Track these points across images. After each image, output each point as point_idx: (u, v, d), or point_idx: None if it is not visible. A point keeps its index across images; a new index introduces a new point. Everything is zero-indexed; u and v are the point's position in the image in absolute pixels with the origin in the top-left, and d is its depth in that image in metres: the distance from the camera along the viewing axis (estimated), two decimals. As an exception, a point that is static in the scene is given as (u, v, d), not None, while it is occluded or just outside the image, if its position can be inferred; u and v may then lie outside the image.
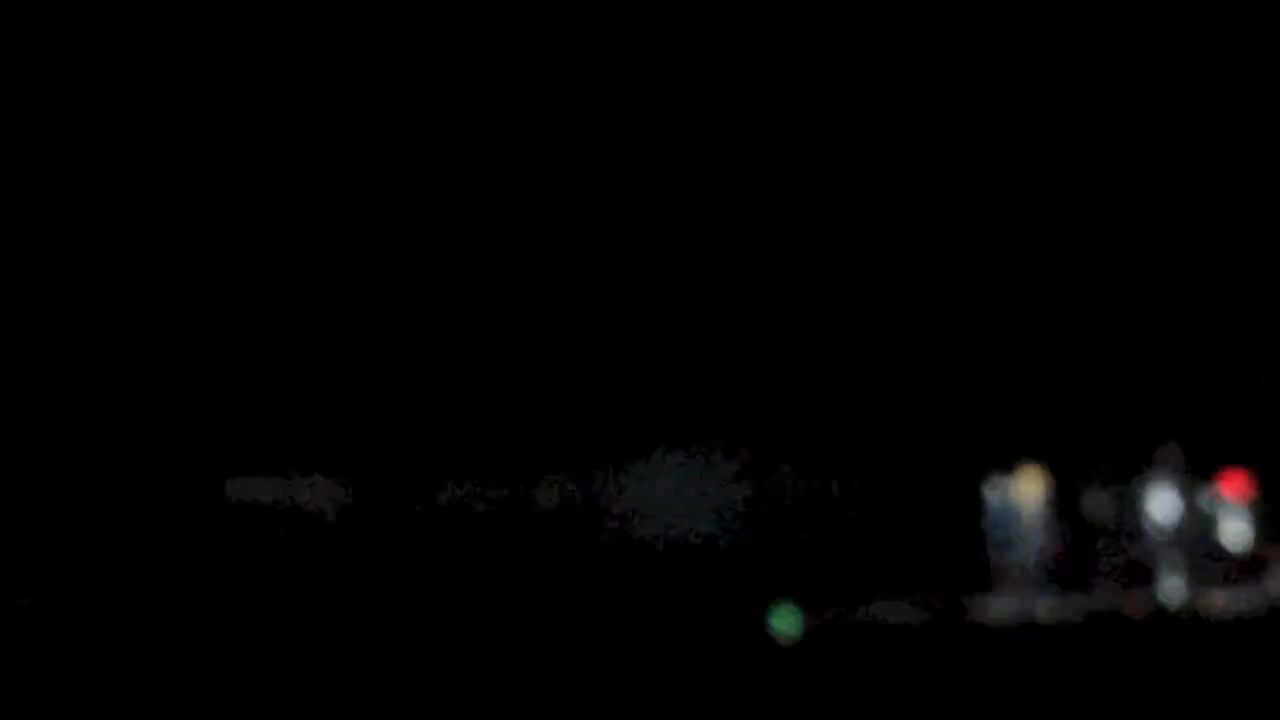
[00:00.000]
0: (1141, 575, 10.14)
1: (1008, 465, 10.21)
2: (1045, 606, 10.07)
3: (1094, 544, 10.16)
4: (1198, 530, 10.12)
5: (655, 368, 9.92)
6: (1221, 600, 10.06)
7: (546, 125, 9.67)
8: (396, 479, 9.71)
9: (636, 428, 9.89)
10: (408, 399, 9.69)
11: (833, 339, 10.03)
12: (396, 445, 9.69)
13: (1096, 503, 10.17)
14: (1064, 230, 10.07)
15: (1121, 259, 10.10)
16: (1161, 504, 10.14)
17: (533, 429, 9.78)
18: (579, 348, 9.84)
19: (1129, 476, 10.19)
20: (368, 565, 9.68)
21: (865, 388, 10.16)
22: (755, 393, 10.02)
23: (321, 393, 9.56)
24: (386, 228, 9.63)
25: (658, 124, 9.69)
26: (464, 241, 9.67)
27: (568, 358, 9.84)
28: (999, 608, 10.08)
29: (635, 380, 9.90)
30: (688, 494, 9.95)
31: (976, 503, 10.15)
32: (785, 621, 9.97)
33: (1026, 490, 10.20)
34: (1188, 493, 10.15)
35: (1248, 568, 10.10)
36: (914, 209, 10.06)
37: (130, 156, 9.28)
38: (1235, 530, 10.10)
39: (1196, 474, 10.18)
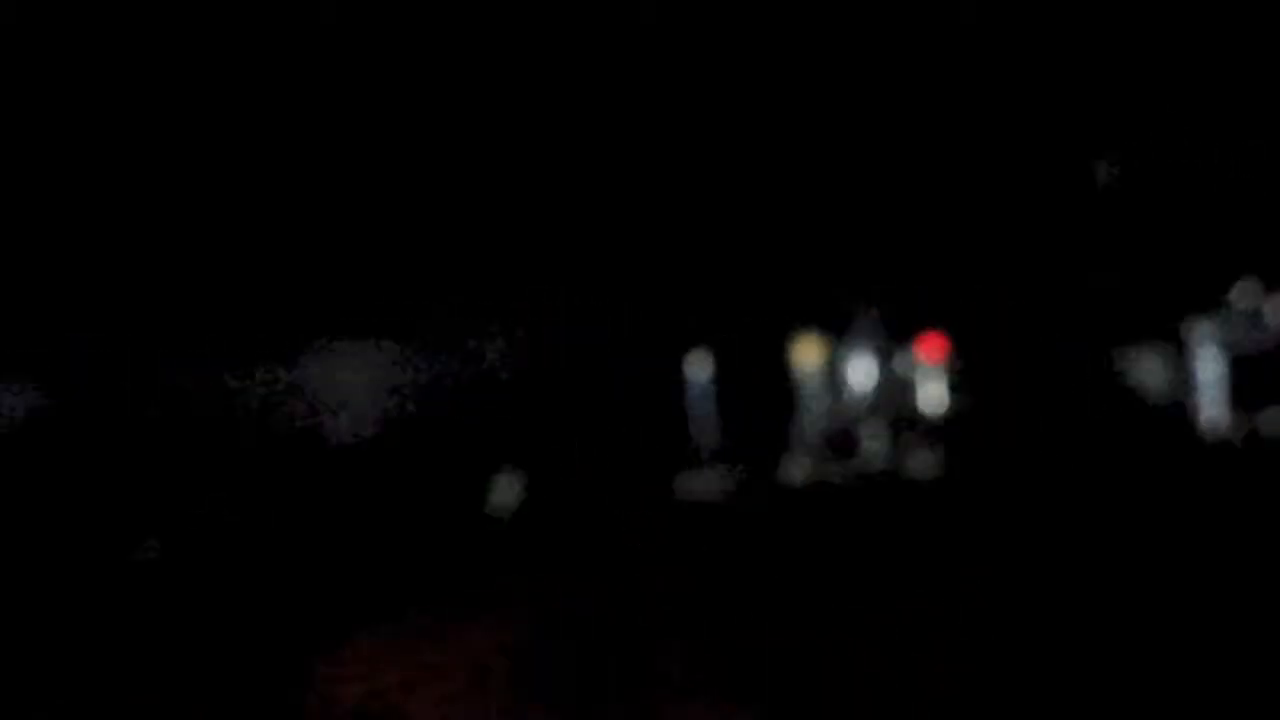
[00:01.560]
0: (842, 441, 10.15)
1: (712, 339, 10.26)
2: (748, 478, 10.13)
3: (794, 411, 10.18)
4: (896, 394, 10.10)
5: (346, 248, 10.08)
6: (920, 463, 10.05)
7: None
8: (93, 371, 9.94)
9: (326, 311, 10.07)
10: (93, 286, 9.92)
11: (525, 219, 10.13)
12: (87, 335, 9.92)
13: (795, 370, 10.18)
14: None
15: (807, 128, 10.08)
16: (859, 369, 10.13)
17: (220, 314, 9.98)
18: (265, 229, 10.02)
19: (831, 345, 10.19)
20: (60, 467, 9.96)
21: (564, 269, 10.25)
22: (451, 272, 10.15)
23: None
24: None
25: None
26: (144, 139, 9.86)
27: (254, 241, 10.02)
28: (703, 483, 10.15)
29: (322, 261, 10.06)
30: (387, 379, 10.13)
31: (678, 379, 10.22)
32: (492, 500, 10.14)
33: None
34: (885, 358, 10.13)
35: (945, 430, 10.07)
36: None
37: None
38: (933, 393, 10.06)
39: (893, 338, 10.15)
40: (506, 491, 10.13)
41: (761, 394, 10.24)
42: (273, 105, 9.86)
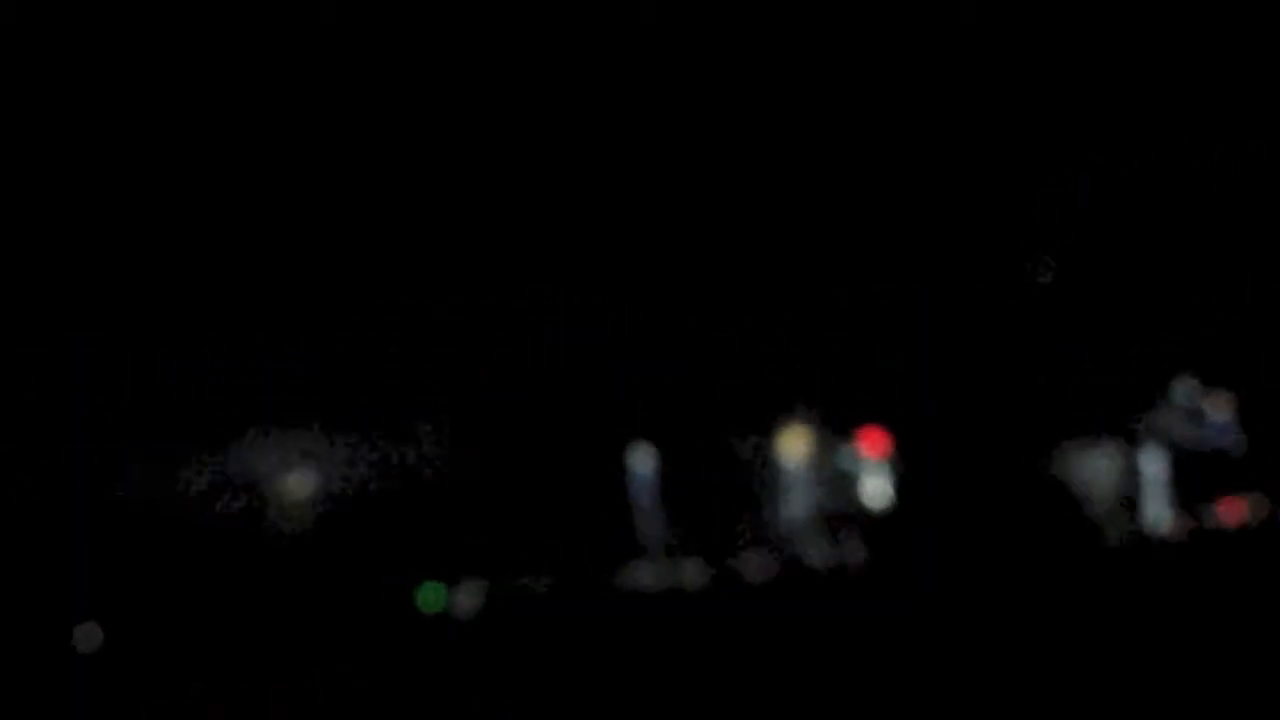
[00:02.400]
0: (785, 535, 10.13)
1: (652, 433, 10.24)
2: (691, 571, 10.09)
3: (739, 505, 10.16)
4: (839, 488, 10.10)
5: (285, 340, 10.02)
6: (863, 556, 10.04)
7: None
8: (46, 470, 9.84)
9: (270, 401, 10.00)
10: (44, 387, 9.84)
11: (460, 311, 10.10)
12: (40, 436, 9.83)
13: (737, 465, 10.17)
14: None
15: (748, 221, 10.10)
16: (799, 465, 10.12)
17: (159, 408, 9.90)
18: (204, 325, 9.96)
19: (769, 438, 10.18)
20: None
21: (505, 366, 10.22)
22: (386, 361, 10.09)
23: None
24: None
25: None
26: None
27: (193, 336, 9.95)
28: (645, 575, 10.11)
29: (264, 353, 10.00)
30: (325, 470, 10.06)
31: (619, 472, 10.18)
32: (430, 597, 10.06)
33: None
34: (828, 452, 10.13)
35: (889, 523, 10.07)
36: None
37: None
38: (875, 487, 10.06)
39: (835, 433, 10.15)
40: (434, 589, 10.07)
41: (706, 486, 10.22)
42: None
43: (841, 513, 10.08)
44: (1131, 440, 9.94)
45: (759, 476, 10.16)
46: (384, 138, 9.91)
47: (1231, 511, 9.82)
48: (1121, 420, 9.96)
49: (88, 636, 9.79)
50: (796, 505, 10.12)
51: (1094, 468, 9.93)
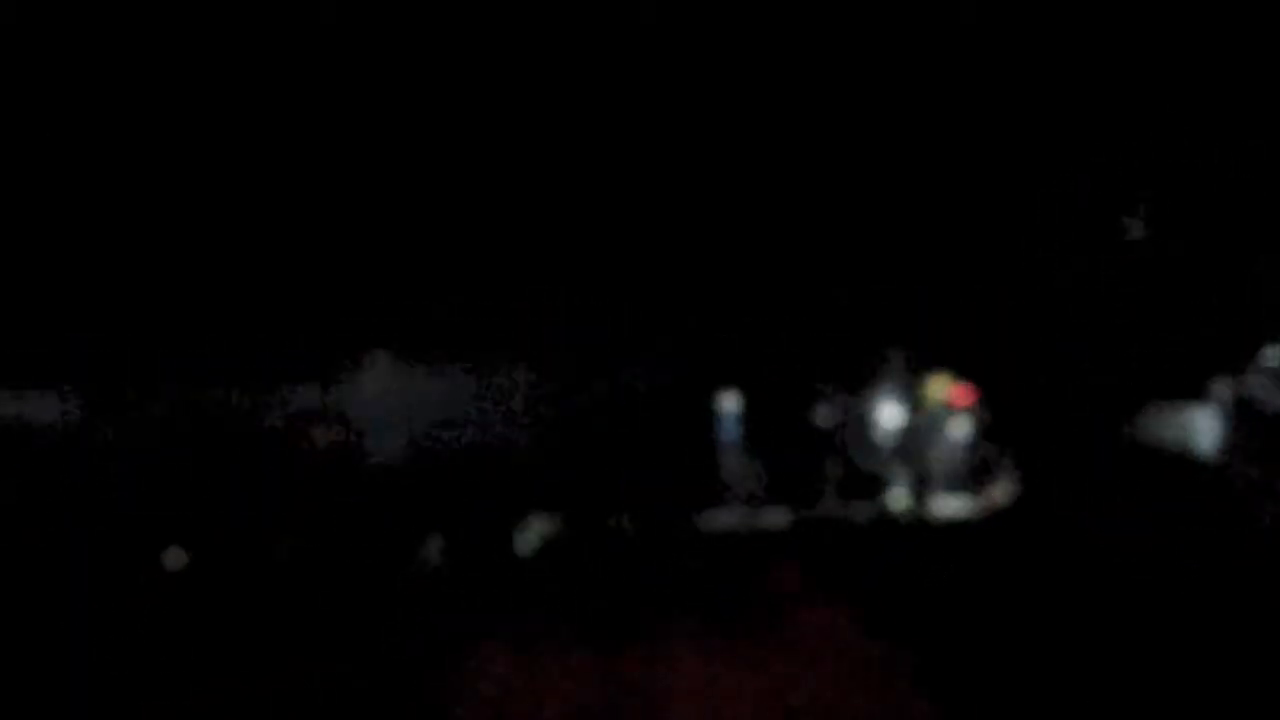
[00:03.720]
0: (868, 483, 10.19)
1: (742, 377, 10.30)
2: (773, 516, 10.16)
3: (821, 453, 10.22)
4: (923, 437, 10.15)
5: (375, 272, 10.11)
6: (946, 505, 10.08)
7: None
8: (122, 388, 9.95)
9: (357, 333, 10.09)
10: (132, 305, 9.94)
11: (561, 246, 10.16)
12: (124, 351, 9.93)
13: (823, 412, 10.22)
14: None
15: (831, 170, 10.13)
16: (887, 413, 10.17)
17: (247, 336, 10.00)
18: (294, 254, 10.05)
19: (855, 386, 10.23)
20: (100, 479, 9.95)
21: (606, 301, 10.28)
22: (486, 297, 10.17)
23: (36, 311, 9.88)
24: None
25: None
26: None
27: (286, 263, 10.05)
28: (728, 519, 10.18)
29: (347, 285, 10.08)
30: (421, 400, 10.15)
31: (707, 416, 10.25)
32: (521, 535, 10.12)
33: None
34: (912, 401, 10.17)
35: (971, 473, 10.11)
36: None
37: None
38: (959, 437, 10.10)
39: (921, 383, 10.20)
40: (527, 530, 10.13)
41: (791, 433, 10.28)
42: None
43: (926, 462, 10.13)
44: (1218, 403, 9.94)
45: (845, 425, 10.22)
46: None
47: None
48: (1208, 383, 9.96)
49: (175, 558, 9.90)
50: (882, 454, 10.18)
51: (1179, 429, 9.94)
